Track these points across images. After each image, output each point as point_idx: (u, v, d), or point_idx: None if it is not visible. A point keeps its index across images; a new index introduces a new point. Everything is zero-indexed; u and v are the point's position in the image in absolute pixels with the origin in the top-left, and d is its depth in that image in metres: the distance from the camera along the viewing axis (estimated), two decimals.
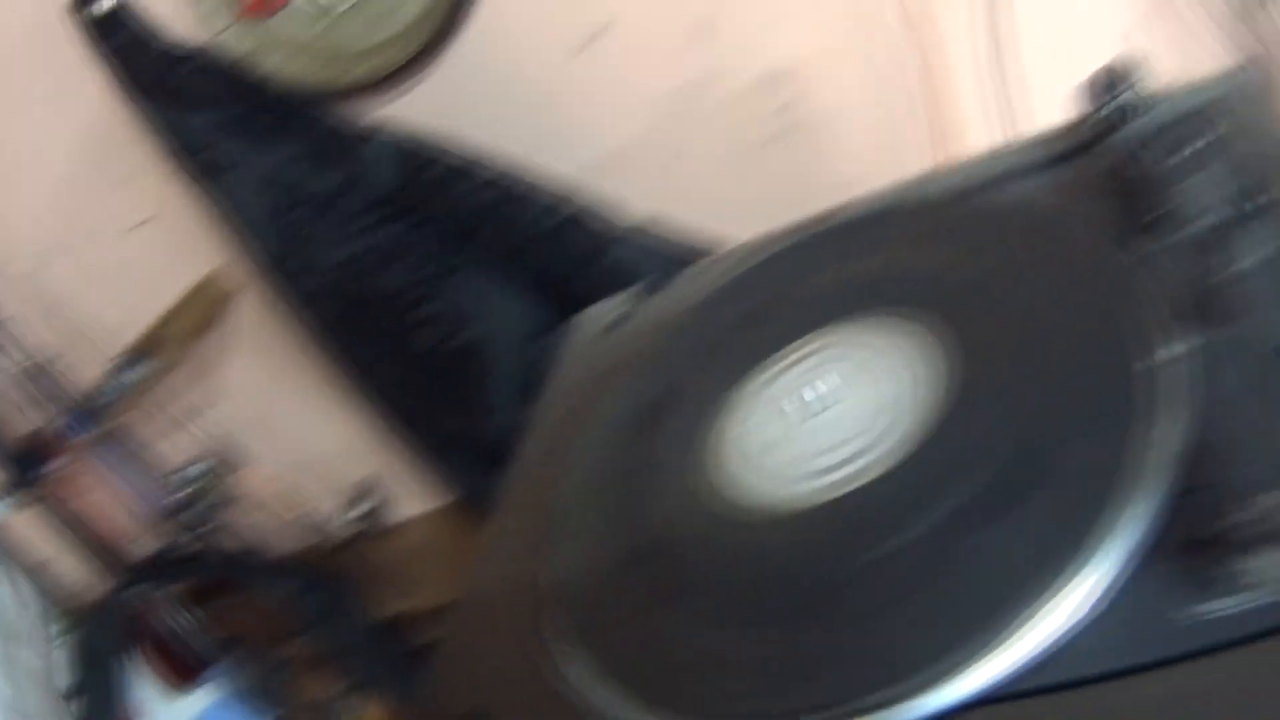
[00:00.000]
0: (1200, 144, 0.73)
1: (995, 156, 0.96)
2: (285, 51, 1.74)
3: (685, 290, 1.01)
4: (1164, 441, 0.55)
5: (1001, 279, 0.75)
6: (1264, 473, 0.49)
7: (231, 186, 1.69)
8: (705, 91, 1.72)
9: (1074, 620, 0.50)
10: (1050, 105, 1.29)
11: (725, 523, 0.69)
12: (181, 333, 1.97)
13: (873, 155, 1.77)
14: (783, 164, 1.80)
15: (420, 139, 1.63)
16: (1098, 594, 0.51)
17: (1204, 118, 0.79)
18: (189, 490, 2.31)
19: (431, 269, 1.74)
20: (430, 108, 1.71)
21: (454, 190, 1.62)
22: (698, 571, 0.67)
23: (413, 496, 2.44)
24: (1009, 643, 0.50)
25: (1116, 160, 0.75)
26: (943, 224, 0.88)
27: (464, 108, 1.71)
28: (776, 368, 0.79)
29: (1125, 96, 0.78)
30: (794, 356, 0.79)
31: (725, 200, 1.81)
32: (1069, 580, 0.51)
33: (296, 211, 1.70)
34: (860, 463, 0.66)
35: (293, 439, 2.39)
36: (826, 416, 0.72)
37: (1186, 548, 0.50)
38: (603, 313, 1.05)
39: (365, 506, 2.39)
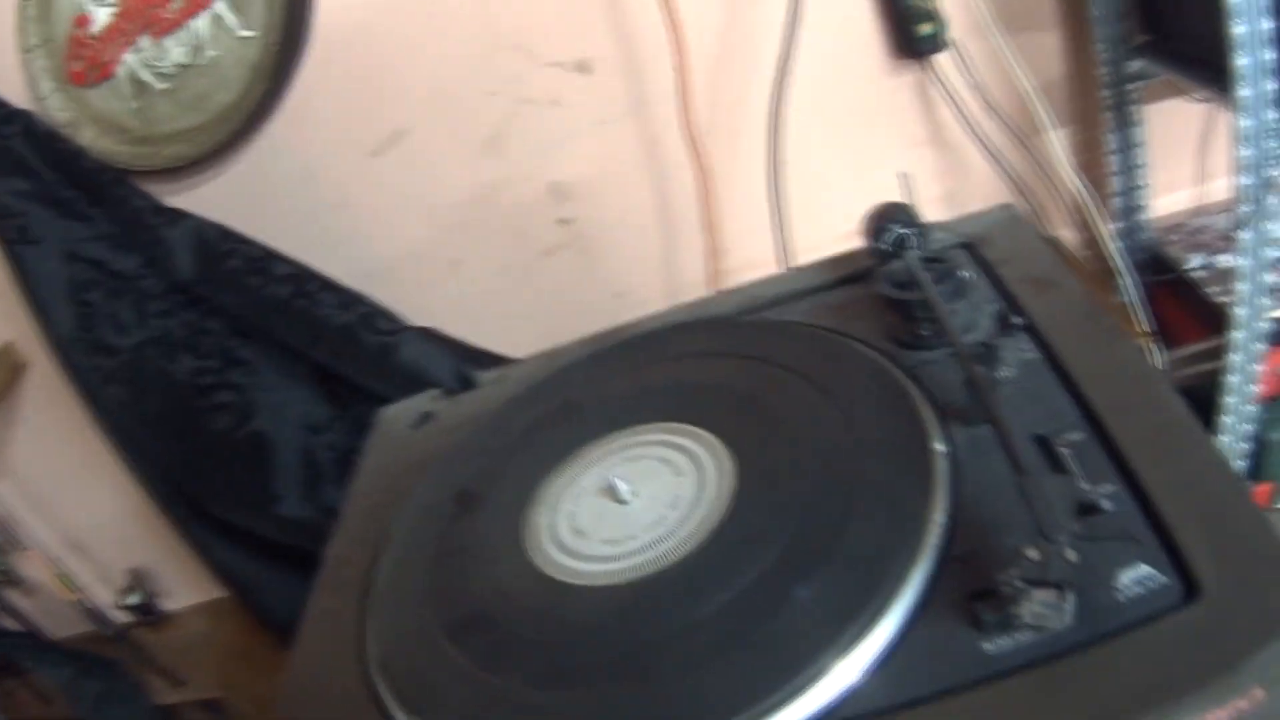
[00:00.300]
0: (965, 273, 0.85)
1: (779, 279, 1.07)
2: (101, 126, 1.74)
3: (487, 394, 1.07)
4: (935, 517, 0.66)
5: (785, 392, 0.84)
6: (1021, 539, 0.59)
7: (36, 258, 1.67)
8: (491, 201, 1.79)
9: (868, 664, 0.60)
10: (822, 229, 1.41)
11: (544, 597, 0.75)
12: None
13: (651, 269, 1.87)
14: (561, 274, 1.88)
15: (222, 228, 1.65)
16: (886, 643, 0.60)
17: (969, 249, 0.93)
18: None
19: (221, 359, 1.74)
20: (234, 197, 1.73)
21: (249, 282, 1.63)
22: (521, 640, 0.72)
23: (190, 587, 2.45)
24: (811, 688, 0.59)
25: (891, 285, 0.85)
26: (729, 337, 0.98)
27: (266, 199, 1.74)
28: (581, 464, 0.86)
29: (900, 230, 0.89)
30: (597, 453, 0.87)
31: (505, 306, 1.90)
32: (861, 632, 0.60)
33: (95, 290, 1.68)
34: (664, 546, 0.74)
35: (73, 523, 2.36)
36: (630, 508, 0.79)
37: (967, 598, 0.60)
38: (405, 410, 1.09)
39: (139, 595, 2.42)
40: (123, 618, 2.48)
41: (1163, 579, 0.58)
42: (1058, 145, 1.70)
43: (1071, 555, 0.54)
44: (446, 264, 1.87)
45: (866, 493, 0.70)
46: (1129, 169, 1.82)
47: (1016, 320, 0.80)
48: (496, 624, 0.74)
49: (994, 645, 0.58)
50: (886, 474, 0.71)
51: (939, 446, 0.71)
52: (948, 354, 0.81)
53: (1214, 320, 1.65)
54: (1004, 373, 0.76)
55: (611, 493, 0.80)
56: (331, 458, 1.79)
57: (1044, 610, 0.56)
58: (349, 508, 0.98)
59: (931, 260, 0.85)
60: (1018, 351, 0.79)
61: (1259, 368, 1.50)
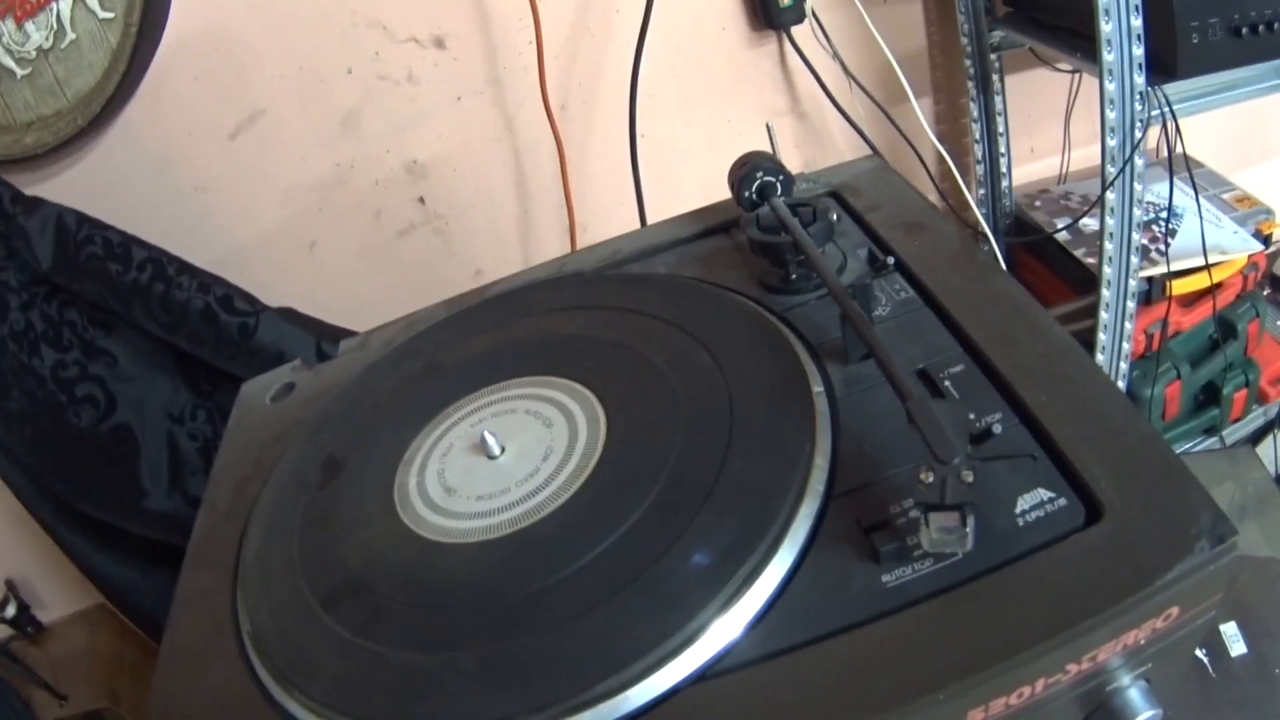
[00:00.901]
0: (834, 215, 0.83)
1: (641, 234, 1.03)
2: None
3: (346, 361, 1.02)
4: (818, 458, 0.63)
5: (655, 340, 0.81)
6: (911, 471, 0.58)
7: None
8: (347, 182, 1.75)
9: (758, 610, 0.57)
10: (682, 202, 1.40)
11: (418, 558, 0.71)
12: None
13: (511, 246, 1.85)
14: (419, 253, 1.85)
15: (80, 215, 1.59)
16: (780, 578, 0.58)
17: (836, 197, 0.92)
18: None
19: (82, 351, 1.70)
20: (93, 183, 1.68)
21: (109, 269, 1.58)
22: (397, 604, 0.68)
23: (66, 595, 2.37)
24: (710, 628, 0.56)
25: (759, 229, 0.83)
26: (594, 290, 0.94)
27: (125, 184, 1.69)
28: (448, 422, 0.83)
29: (765, 176, 0.87)
30: (464, 411, 0.83)
31: (364, 287, 1.86)
32: (753, 570, 0.58)
33: None
34: (539, 498, 0.70)
35: None
36: (501, 461, 0.75)
37: (860, 532, 0.58)
38: (265, 384, 1.04)
39: (13, 607, 2.32)
40: (3, 631, 2.39)
41: (1062, 501, 0.56)
42: (920, 114, 1.70)
43: (968, 476, 0.52)
44: (304, 246, 1.82)
45: (745, 435, 0.67)
46: (991, 137, 1.84)
47: (888, 259, 0.78)
48: (371, 589, 0.70)
49: (892, 576, 0.56)
50: (765, 416, 0.69)
51: (816, 386, 0.69)
52: (819, 297, 0.79)
53: (1079, 282, 1.68)
54: (879, 311, 0.75)
55: (481, 448, 0.76)
56: (195, 447, 1.75)
57: (943, 535, 0.53)
58: (213, 485, 0.92)
59: (798, 206, 0.83)
60: (891, 292, 0.78)
61: (1130, 325, 1.52)
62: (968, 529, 0.53)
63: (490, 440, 0.76)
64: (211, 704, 0.69)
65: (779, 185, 0.87)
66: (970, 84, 1.76)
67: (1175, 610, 0.53)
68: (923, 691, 0.50)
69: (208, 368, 1.69)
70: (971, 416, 0.63)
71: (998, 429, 0.61)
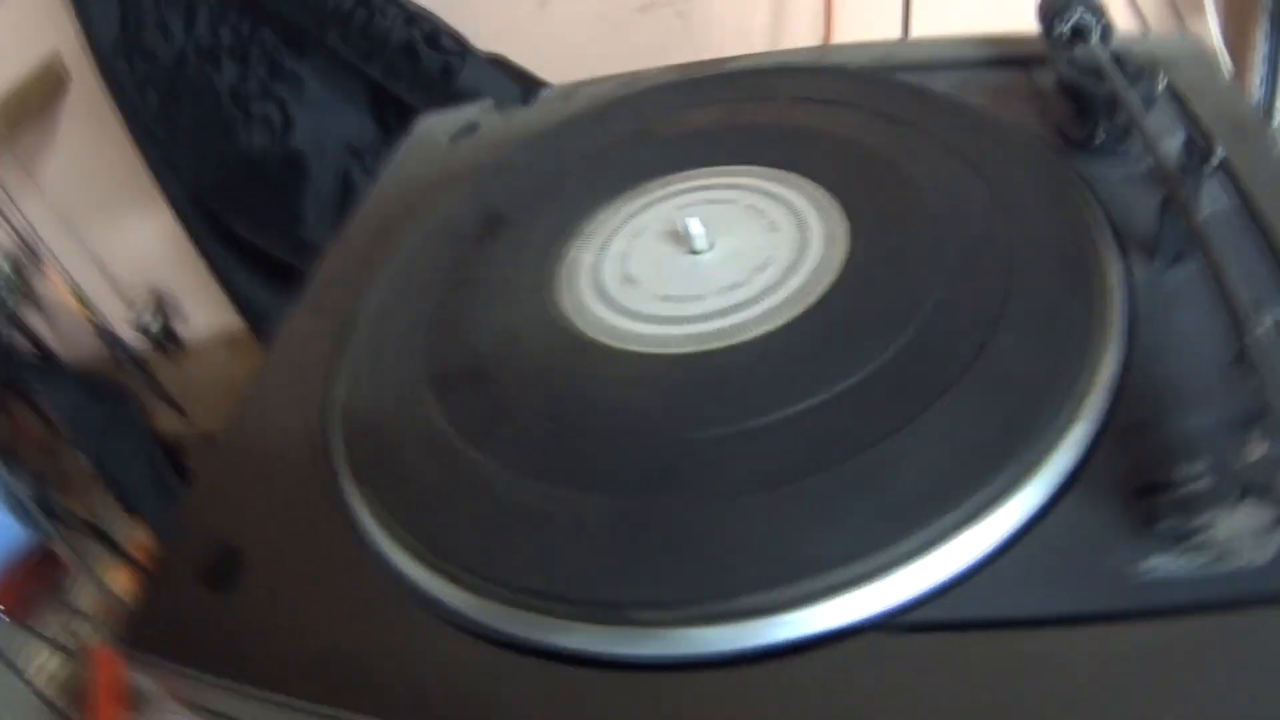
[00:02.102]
0: (1159, 84, 0.68)
1: (921, 44, 0.87)
2: None
3: (545, 111, 0.90)
4: (1105, 365, 0.48)
5: (926, 161, 0.66)
6: (1213, 427, 0.43)
7: None
8: None
9: (989, 548, 0.43)
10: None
11: (565, 356, 0.59)
12: (8, 108, 1.87)
13: (759, 43, 1.70)
14: (657, 34, 1.72)
15: None
16: (1020, 520, 0.43)
17: (1160, 64, 0.73)
18: None
19: (268, 70, 1.64)
20: None
21: None
22: (523, 409, 0.56)
23: (209, 317, 2.39)
24: (911, 562, 0.42)
25: (1074, 69, 0.68)
26: (857, 88, 0.78)
27: None
28: (647, 198, 0.70)
29: (1083, 18, 0.72)
30: (670, 190, 0.70)
31: (590, 58, 1.73)
32: (989, 498, 0.43)
33: None
34: (738, 317, 0.57)
35: (99, 242, 2.30)
36: (703, 259, 0.63)
37: (1129, 490, 0.43)
38: (447, 121, 0.93)
39: (157, 320, 2.33)
40: (139, 343, 2.43)
41: None
42: (1214, 26, 1.48)
43: None
44: (535, 1, 1.71)
45: (1017, 303, 0.53)
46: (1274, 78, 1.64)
47: (1215, 155, 0.60)
48: (496, 383, 0.58)
49: (1154, 564, 0.40)
50: (1046, 286, 0.54)
51: (1113, 274, 0.54)
52: (1126, 171, 0.63)
53: None
54: (1202, 214, 0.58)
55: (682, 237, 0.63)
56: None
57: (1247, 533, 0.39)
58: (356, 219, 0.83)
59: (1119, 59, 0.68)
60: (1209, 195, 0.61)
61: None
62: (1273, 536, 0.38)
63: (696, 230, 0.62)
64: (275, 475, 0.59)
65: (1099, 30, 0.71)
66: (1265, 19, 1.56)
67: None
68: None
69: (399, 103, 1.61)
70: None
71: None
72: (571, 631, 0.44)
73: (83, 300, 2.17)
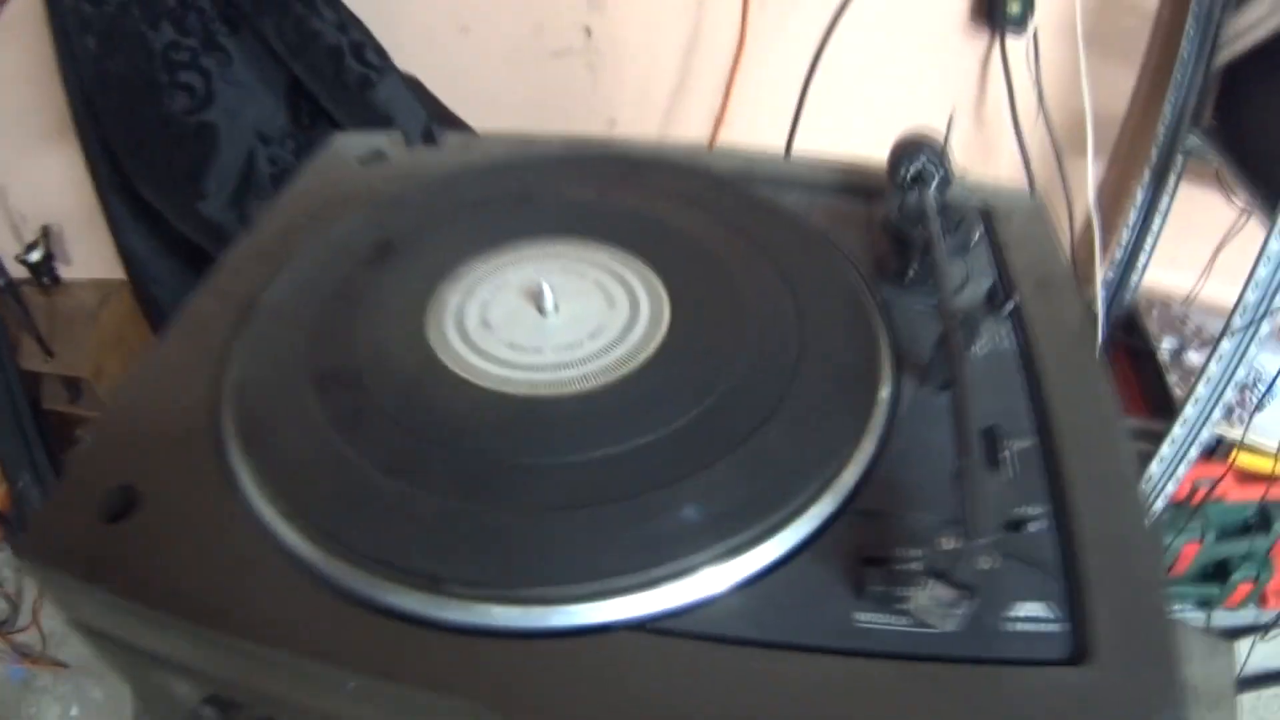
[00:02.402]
0: (977, 235, 0.81)
1: (782, 161, 1.03)
2: None
3: (447, 156, 1.00)
4: (859, 459, 0.60)
5: (753, 268, 0.78)
6: (934, 524, 0.55)
7: None
8: None
9: (730, 584, 0.54)
10: (831, 139, 1.35)
11: (424, 378, 0.69)
12: None
13: (653, 109, 1.81)
14: (564, 80, 1.81)
15: None
16: (759, 567, 0.55)
17: (985, 217, 0.87)
18: None
19: (201, 40, 1.69)
20: None
21: None
22: (384, 414, 0.66)
23: (89, 263, 2.40)
24: (671, 581, 0.54)
25: (898, 213, 0.80)
26: (717, 193, 0.90)
27: None
28: (515, 256, 0.80)
29: (926, 163, 0.82)
30: (535, 253, 0.81)
31: (498, 90, 1.83)
32: (735, 546, 0.55)
33: None
34: (569, 373, 0.68)
35: (3, 163, 2.30)
36: (549, 319, 0.73)
37: (857, 558, 0.55)
38: (358, 143, 1.02)
39: (40, 252, 2.36)
40: (19, 273, 2.40)
41: (1057, 627, 0.53)
42: (1089, 172, 1.65)
43: (985, 564, 0.49)
44: (458, 26, 1.79)
45: (796, 401, 0.65)
46: (1143, 229, 1.79)
47: (1008, 304, 0.75)
48: (365, 388, 0.68)
49: (866, 618, 0.53)
50: (822, 390, 0.66)
51: (884, 390, 0.66)
52: (927, 305, 0.76)
53: (1158, 406, 1.65)
54: (974, 349, 0.71)
55: (535, 296, 0.74)
56: (271, 171, 1.76)
57: (935, 607, 0.50)
58: (265, 218, 0.91)
59: (946, 208, 0.80)
60: (996, 335, 0.74)
61: (1183, 470, 1.49)
62: (959, 611, 0.50)
63: (548, 293, 0.73)
64: (165, 431, 0.68)
65: (937, 179, 0.82)
66: (1147, 171, 1.71)
67: None
68: None
69: (313, 101, 1.68)
70: (1016, 497, 0.60)
71: (1033, 526, 0.58)
72: (400, 595, 0.54)
73: None
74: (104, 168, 1.85)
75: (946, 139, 0.85)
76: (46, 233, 2.40)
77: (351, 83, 1.58)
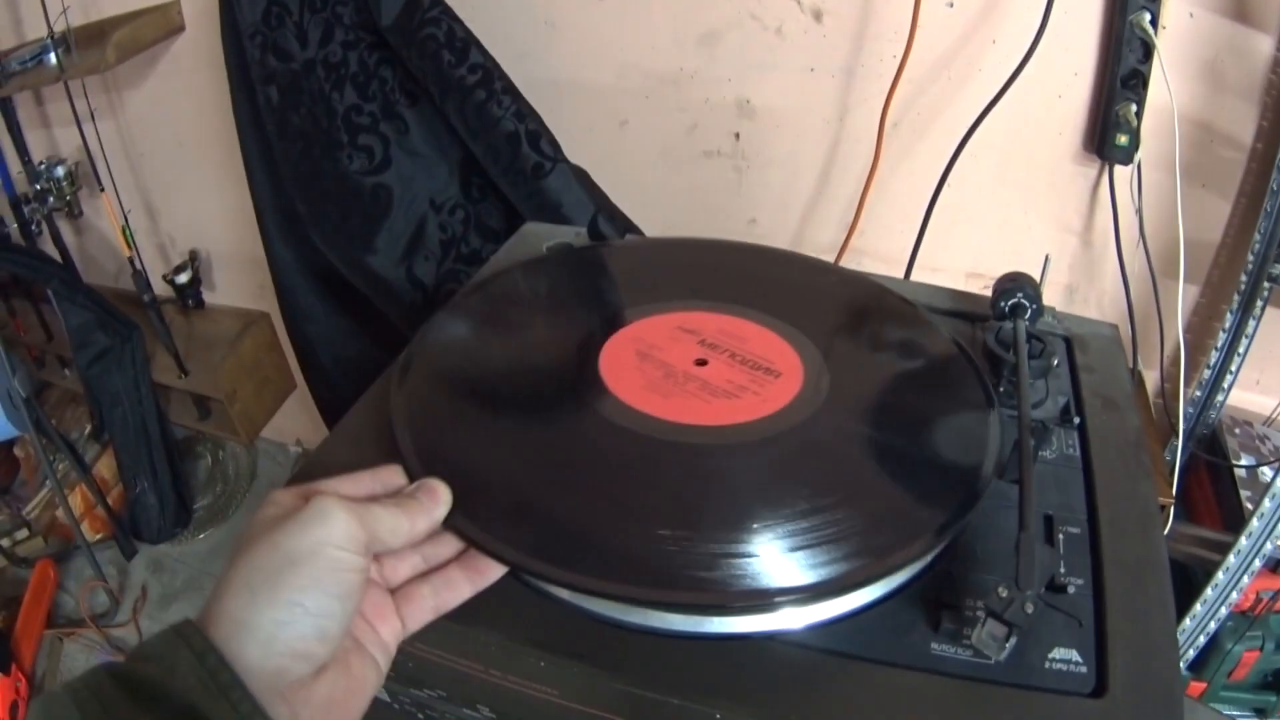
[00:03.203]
0: (1056, 360, 0.97)
1: (908, 285, 1.19)
2: None
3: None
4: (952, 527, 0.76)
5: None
6: (996, 582, 0.70)
7: None
8: (683, 86, 1.86)
9: (845, 611, 0.73)
10: (950, 256, 1.46)
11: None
12: (123, 40, 1.99)
13: (791, 214, 1.95)
14: (712, 178, 1.95)
15: None
16: (866, 601, 0.73)
17: (1067, 344, 1.05)
18: (40, 184, 2.37)
19: (382, 107, 1.80)
20: None
21: (442, 56, 1.68)
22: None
23: (234, 294, 2.56)
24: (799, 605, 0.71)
25: (995, 340, 0.97)
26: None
27: None
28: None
29: (1022, 299, 0.99)
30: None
31: (649, 182, 1.98)
32: (855, 582, 0.72)
33: None
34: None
35: (161, 185, 2.45)
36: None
37: (938, 602, 0.73)
38: (546, 232, 1.20)
39: (189, 274, 2.49)
40: (165, 292, 2.55)
41: (1084, 668, 0.70)
42: (1179, 296, 1.77)
43: (1029, 608, 0.65)
44: (617, 120, 1.93)
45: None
46: (1229, 351, 1.89)
47: (1075, 418, 0.92)
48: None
49: (940, 648, 0.71)
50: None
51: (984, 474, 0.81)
52: (1010, 415, 0.91)
53: (1230, 517, 1.75)
54: (1045, 453, 0.88)
55: None
56: (440, 238, 1.87)
57: (989, 640, 0.68)
58: (463, 290, 1.07)
59: (1033, 336, 0.96)
60: (1064, 443, 0.90)
61: (1247, 580, 1.59)
62: (1009, 645, 0.67)
63: None
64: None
65: (1029, 311, 0.98)
66: (1236, 296, 1.81)
67: None
68: None
69: (484, 177, 1.78)
70: (1062, 570, 0.77)
71: (1072, 589, 0.75)
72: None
73: (128, 235, 2.26)
74: (271, 208, 1.96)
75: (1042, 278, 1.01)
76: (195, 257, 2.52)
77: (526, 168, 1.68)
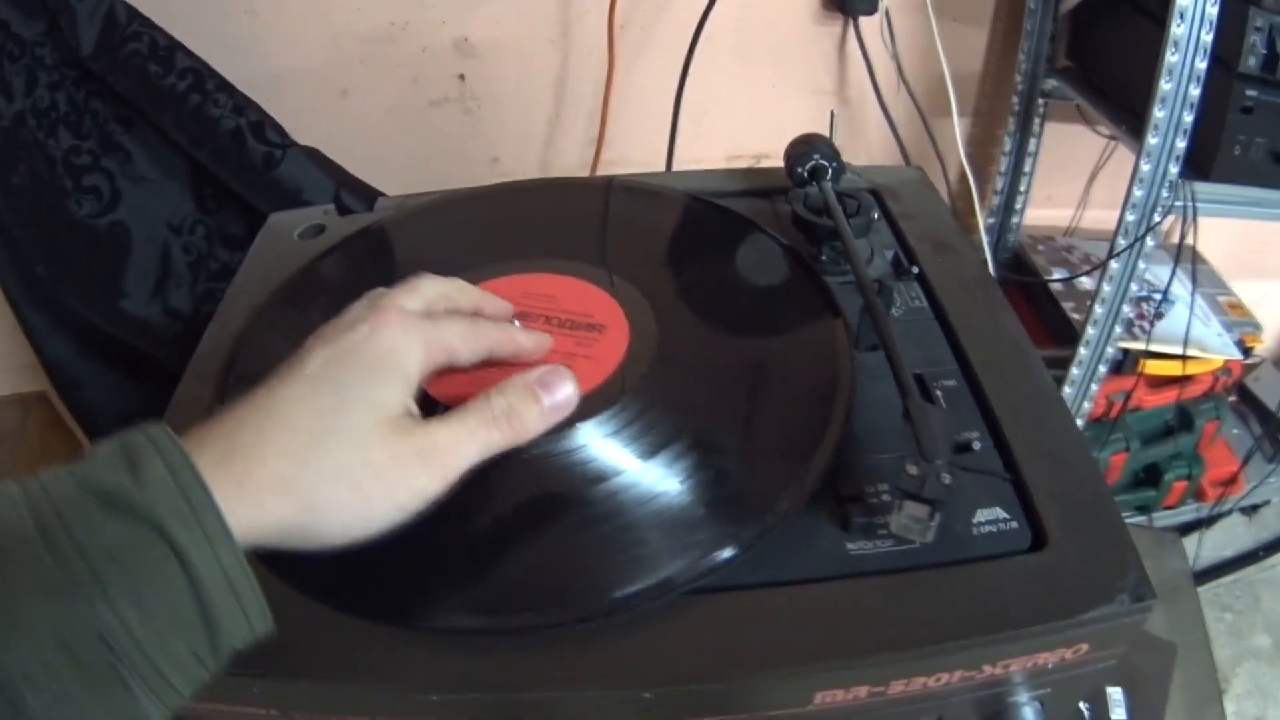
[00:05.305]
0: (875, 214, 0.89)
1: (686, 175, 1.08)
2: None
3: (381, 216, 1.06)
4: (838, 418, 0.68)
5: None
6: (886, 463, 0.65)
7: None
8: (396, 41, 1.78)
9: (752, 538, 0.61)
10: (710, 147, 1.41)
11: None
12: None
13: (533, 144, 1.89)
14: (445, 127, 1.88)
15: (132, 9, 1.60)
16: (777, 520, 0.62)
17: (876, 196, 0.98)
18: None
19: (99, 141, 1.70)
20: None
21: (149, 69, 1.60)
22: None
23: (9, 375, 2.38)
24: (687, 555, 0.61)
25: (804, 207, 0.89)
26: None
27: None
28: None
29: (820, 159, 0.91)
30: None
31: (383, 146, 1.90)
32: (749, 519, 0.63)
33: None
34: None
35: None
36: None
37: (837, 501, 0.65)
38: (293, 220, 1.07)
39: None
40: None
41: (1014, 524, 0.63)
42: (957, 132, 1.75)
43: (946, 478, 0.57)
44: (337, 91, 1.85)
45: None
46: (1015, 174, 1.90)
47: (912, 268, 0.85)
48: None
49: (856, 546, 0.62)
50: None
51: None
52: (843, 283, 0.84)
53: (1059, 334, 1.74)
54: (894, 312, 0.81)
55: None
56: (186, 261, 1.78)
57: (911, 523, 0.59)
58: (227, 303, 0.97)
59: (843, 196, 0.88)
60: (907, 297, 0.83)
61: (1095, 387, 1.58)
62: (933, 524, 0.59)
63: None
64: None
65: (831, 171, 0.91)
66: (1011, 119, 1.82)
67: (1085, 646, 0.60)
68: (858, 654, 0.57)
69: (216, 184, 1.70)
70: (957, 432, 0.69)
71: (976, 445, 0.68)
72: None
73: None
74: (16, 282, 1.84)
75: (832, 132, 0.94)
76: None
77: (256, 162, 1.61)
